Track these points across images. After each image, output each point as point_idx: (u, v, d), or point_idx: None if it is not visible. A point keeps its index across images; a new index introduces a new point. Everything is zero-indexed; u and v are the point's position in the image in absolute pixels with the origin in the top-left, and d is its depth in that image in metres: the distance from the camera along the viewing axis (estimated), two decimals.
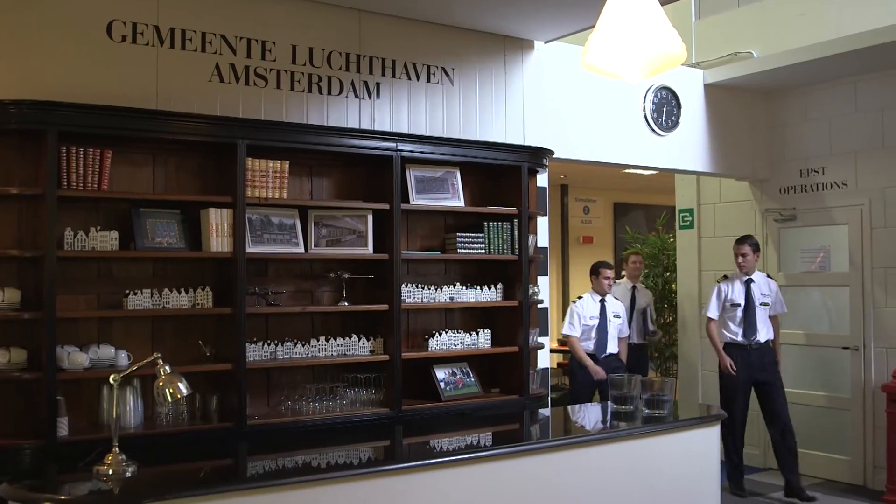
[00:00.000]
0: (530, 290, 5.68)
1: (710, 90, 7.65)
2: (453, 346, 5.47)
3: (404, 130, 5.59)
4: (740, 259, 7.16)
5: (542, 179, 6.24)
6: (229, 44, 5.05)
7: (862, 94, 7.52)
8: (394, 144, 5.18)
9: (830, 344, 7.70)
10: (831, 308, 7.82)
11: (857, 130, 7.55)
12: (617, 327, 7.59)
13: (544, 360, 6.24)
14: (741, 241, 7.22)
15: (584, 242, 15.93)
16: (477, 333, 5.58)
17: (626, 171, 8.73)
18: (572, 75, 6.36)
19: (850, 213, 7.58)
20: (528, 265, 5.69)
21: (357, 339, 5.12)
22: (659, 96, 7.15)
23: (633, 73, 3.25)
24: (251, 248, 4.77)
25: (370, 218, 5.19)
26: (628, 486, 4.39)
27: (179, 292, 4.60)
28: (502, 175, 5.77)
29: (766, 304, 7.17)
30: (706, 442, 4.71)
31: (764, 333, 7.13)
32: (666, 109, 7.21)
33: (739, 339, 7.11)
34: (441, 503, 3.85)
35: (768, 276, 7.39)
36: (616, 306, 7.66)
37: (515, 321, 5.64)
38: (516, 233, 5.66)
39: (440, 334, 5.44)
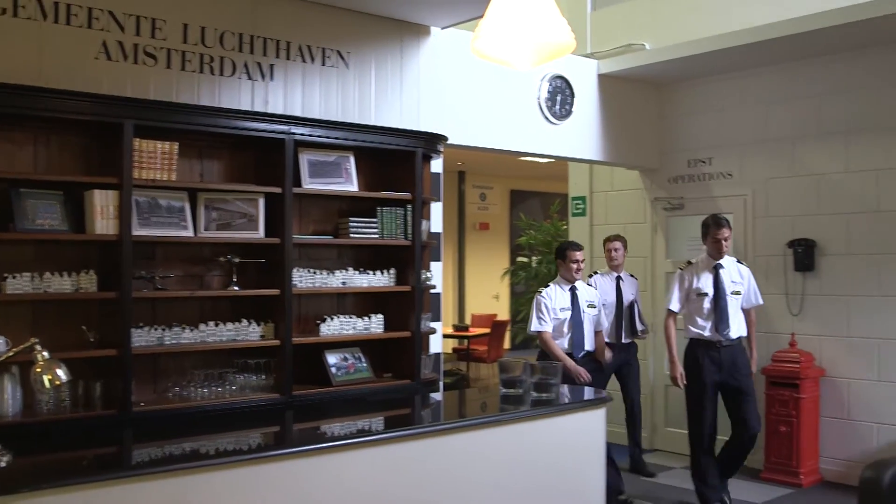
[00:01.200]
0: (423, 276, 5.71)
1: (604, 80, 7.79)
2: (345, 331, 5.45)
3: (298, 114, 5.53)
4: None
5: (437, 165, 6.26)
6: (117, 20, 4.90)
7: (748, 89, 7.77)
8: (286, 127, 5.12)
9: None
10: None
11: (743, 123, 7.80)
12: (592, 319, 6.57)
13: (437, 345, 6.27)
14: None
15: (480, 229, 16.10)
16: (369, 318, 5.58)
17: (523, 158, 8.83)
18: (468, 62, 6.40)
19: (735, 203, 7.84)
20: (422, 250, 5.71)
21: (247, 323, 5.06)
22: (553, 85, 7.25)
23: (522, 60, 3.28)
24: (138, 231, 4.65)
25: (262, 202, 5.13)
26: (518, 467, 4.45)
27: (62, 276, 4.46)
28: (397, 160, 5.76)
29: (737, 293, 6.31)
30: (592, 424, 4.81)
31: (736, 328, 6.27)
32: (560, 98, 7.31)
33: (708, 334, 6.23)
34: (332, 487, 3.83)
35: (739, 261, 6.54)
36: (589, 294, 6.65)
37: (408, 306, 5.66)
38: (410, 218, 5.67)
39: (332, 319, 5.42)
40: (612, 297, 7.32)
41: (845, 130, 7.16)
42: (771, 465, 7.21)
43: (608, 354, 6.88)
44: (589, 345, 6.47)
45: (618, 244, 7.51)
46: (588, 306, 6.51)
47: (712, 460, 6.32)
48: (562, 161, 8.41)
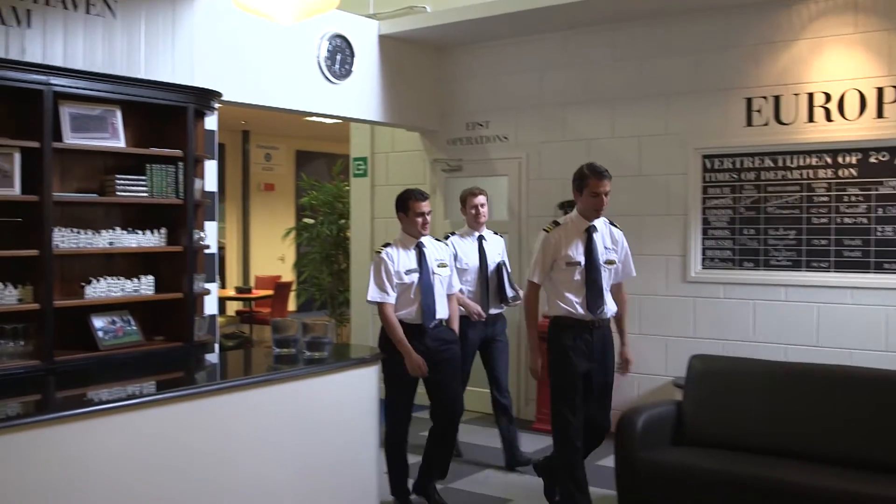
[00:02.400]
0: (196, 236, 5.55)
1: (385, 41, 7.81)
2: (113, 293, 5.23)
3: (59, 64, 5.21)
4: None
5: (212, 122, 6.09)
6: None
7: (524, 55, 8.01)
8: (45, 78, 4.81)
9: None
10: None
11: (519, 88, 8.05)
12: (445, 282, 5.50)
13: (212, 306, 6.13)
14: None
15: (265, 189, 15.85)
16: (139, 280, 5.37)
17: (308, 118, 8.75)
18: (245, 17, 6.22)
19: (510, 165, 8.10)
20: (194, 210, 5.55)
21: (3, 286, 4.76)
22: (333, 44, 7.19)
23: (284, 14, 3.25)
24: None
25: (17, 157, 4.79)
26: (293, 425, 4.46)
27: None
28: (168, 116, 5.55)
29: (611, 263, 5.19)
30: (364, 382, 4.89)
31: (611, 304, 5.21)
32: (340, 58, 7.27)
33: (580, 312, 5.05)
34: (99, 453, 3.71)
35: (612, 223, 5.34)
36: (439, 252, 5.54)
37: (180, 267, 5.49)
38: (181, 176, 5.49)
39: (99, 281, 5.18)
40: (475, 261, 6.37)
41: (612, 98, 7.53)
42: (543, 416, 7.55)
43: (475, 308, 6.19)
44: (442, 312, 5.43)
45: (483, 199, 6.49)
46: (438, 266, 5.45)
47: (582, 463, 5.17)
48: (344, 121, 8.39)
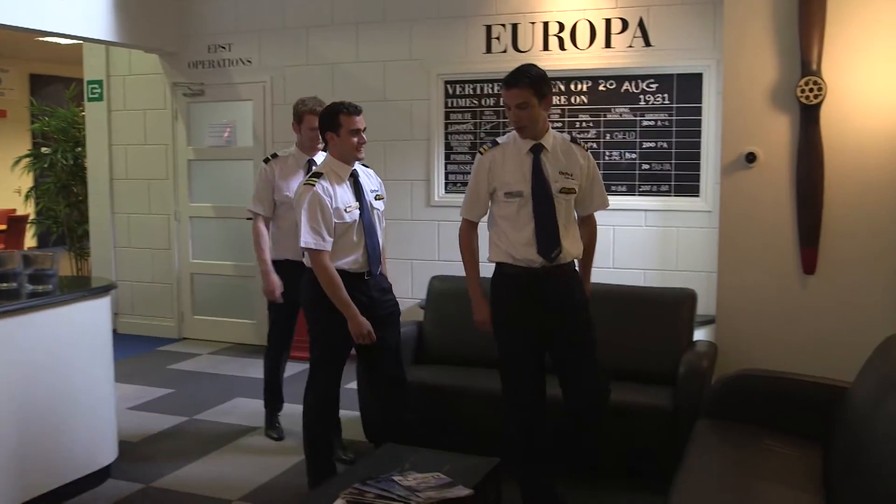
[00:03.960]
0: None
1: None
2: None
3: None
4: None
5: None
6: None
7: None
8: None
9: (235, 215, 8.03)
10: (236, 181, 8.12)
11: (261, 9, 7.79)
12: (383, 218, 4.51)
13: None
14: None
15: None
16: None
17: (40, 38, 8.11)
18: None
19: (254, 90, 7.89)
20: None
21: None
22: None
23: None
24: None
25: None
26: (15, 365, 4.18)
27: None
28: None
29: (569, 192, 4.01)
30: (95, 315, 4.66)
31: (570, 247, 4.02)
32: None
33: (526, 258, 3.96)
34: None
35: (575, 139, 4.19)
36: (372, 181, 4.46)
37: None
38: None
39: None
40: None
41: (356, 22, 7.45)
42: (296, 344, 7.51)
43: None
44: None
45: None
46: (375, 198, 4.40)
47: (537, 450, 4.04)
48: (74, 41, 7.84)
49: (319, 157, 5.13)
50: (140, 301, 8.54)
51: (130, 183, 8.44)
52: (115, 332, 7.99)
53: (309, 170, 4.77)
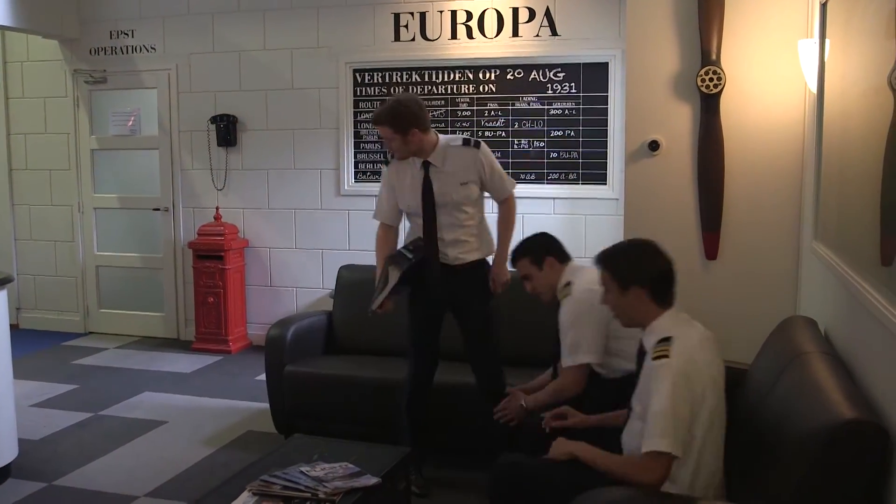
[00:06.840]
0: None
1: None
2: None
3: None
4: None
5: None
6: None
7: None
8: None
9: (142, 206, 7.87)
10: (142, 170, 7.96)
11: None
12: None
13: None
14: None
15: None
16: None
17: None
18: None
19: (159, 77, 7.71)
20: None
21: None
22: None
23: None
24: None
25: None
26: None
27: None
28: None
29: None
30: None
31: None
32: None
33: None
34: None
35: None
36: None
37: None
38: None
39: None
40: None
41: (263, 8, 7.35)
42: (201, 336, 7.43)
43: None
44: None
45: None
46: None
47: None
48: None
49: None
50: (43, 295, 8.30)
51: (31, 173, 8.19)
52: (16, 327, 7.84)
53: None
